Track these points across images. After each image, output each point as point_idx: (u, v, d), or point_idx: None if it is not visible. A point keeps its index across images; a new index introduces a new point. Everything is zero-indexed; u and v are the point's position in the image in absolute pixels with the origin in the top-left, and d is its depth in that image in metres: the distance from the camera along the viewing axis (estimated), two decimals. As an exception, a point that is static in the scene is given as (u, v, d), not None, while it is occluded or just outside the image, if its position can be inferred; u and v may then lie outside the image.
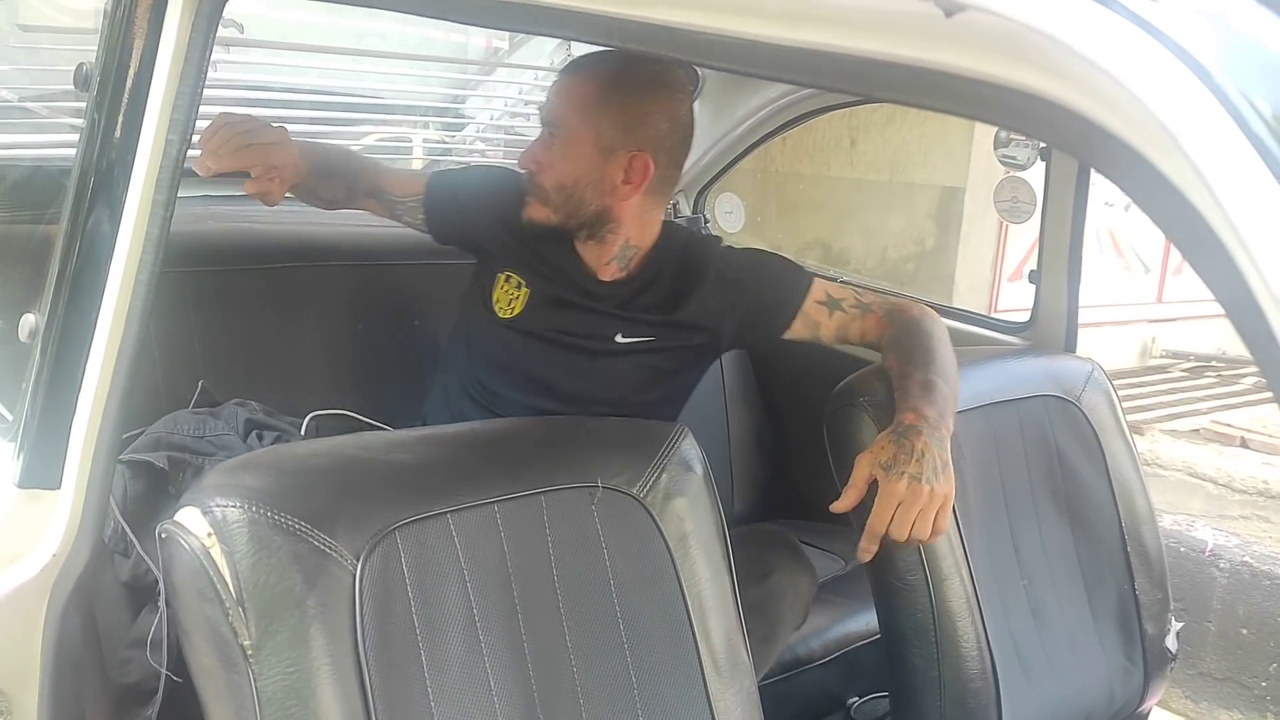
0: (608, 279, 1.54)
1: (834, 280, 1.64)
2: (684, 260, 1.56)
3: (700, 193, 2.46)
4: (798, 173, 5.94)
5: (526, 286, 1.55)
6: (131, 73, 0.88)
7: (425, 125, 2.23)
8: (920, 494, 1.30)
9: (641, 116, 1.44)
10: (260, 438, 1.54)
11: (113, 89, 0.88)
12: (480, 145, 2.31)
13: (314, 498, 0.97)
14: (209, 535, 0.90)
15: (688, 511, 1.18)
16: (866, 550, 1.33)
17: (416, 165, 2.32)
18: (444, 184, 1.66)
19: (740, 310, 1.54)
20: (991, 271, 5.35)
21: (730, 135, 2.26)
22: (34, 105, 1.70)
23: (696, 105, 2.32)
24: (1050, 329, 1.91)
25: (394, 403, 1.71)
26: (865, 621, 1.77)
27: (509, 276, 1.57)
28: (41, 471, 0.91)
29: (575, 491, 1.13)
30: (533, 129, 2.29)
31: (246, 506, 0.92)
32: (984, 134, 4.66)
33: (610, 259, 1.52)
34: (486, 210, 1.59)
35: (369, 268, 1.91)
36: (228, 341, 1.72)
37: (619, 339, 1.53)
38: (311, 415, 1.66)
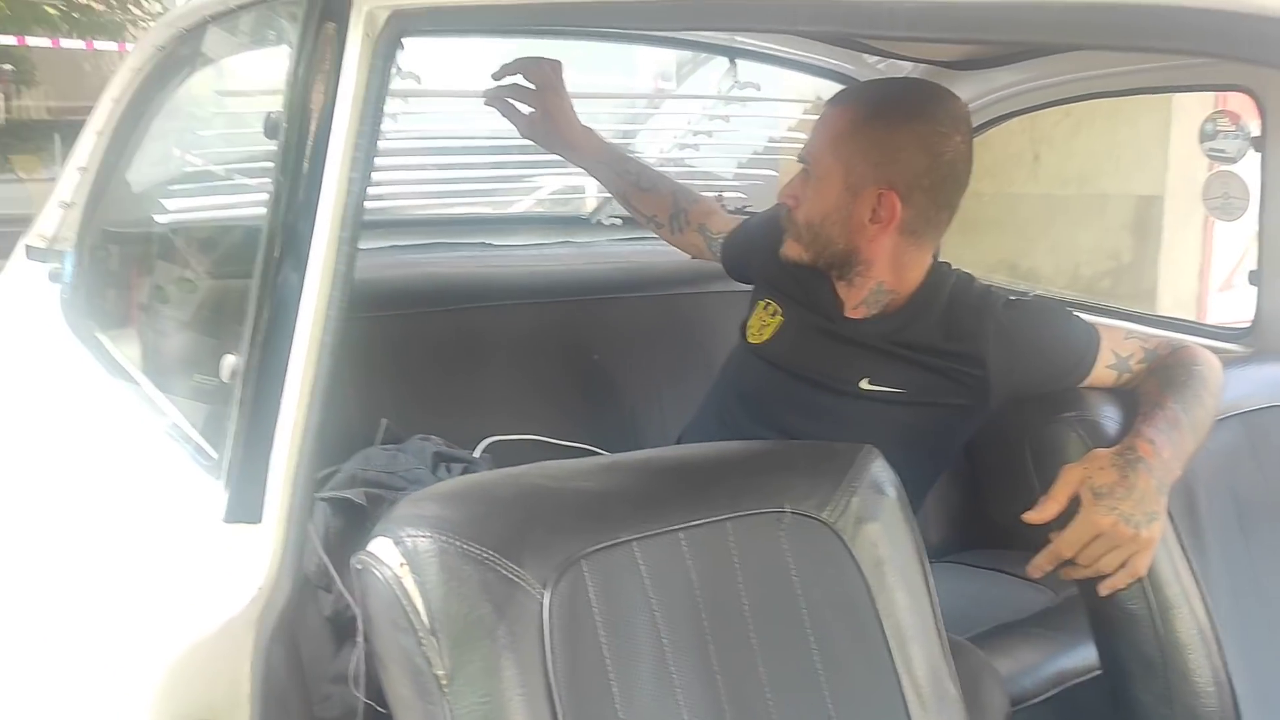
0: (858, 318, 1.46)
1: (1113, 324, 1.54)
2: (952, 310, 1.43)
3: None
4: (978, 191, 5.67)
5: (781, 314, 1.52)
6: (315, 116, 0.91)
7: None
8: (1123, 536, 1.19)
9: (893, 151, 1.35)
10: (449, 469, 1.57)
11: (298, 133, 0.91)
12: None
13: (501, 526, 0.96)
14: (401, 565, 0.91)
15: (882, 536, 1.12)
16: (1038, 568, 1.23)
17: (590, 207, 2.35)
18: (744, 227, 1.72)
19: (1019, 375, 1.39)
20: (1198, 283, 4.99)
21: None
22: (234, 169, 1.81)
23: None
24: (1276, 333, 1.74)
25: (573, 437, 1.71)
26: (1083, 656, 1.64)
27: (767, 303, 1.55)
28: (245, 506, 0.94)
29: (762, 517, 1.09)
30: (702, 160, 2.30)
31: (436, 536, 0.93)
32: (1181, 137, 4.38)
33: (860, 301, 1.45)
34: (762, 243, 1.59)
35: (544, 306, 1.95)
36: (412, 382, 1.77)
37: (864, 385, 1.43)
38: (489, 440, 1.70)
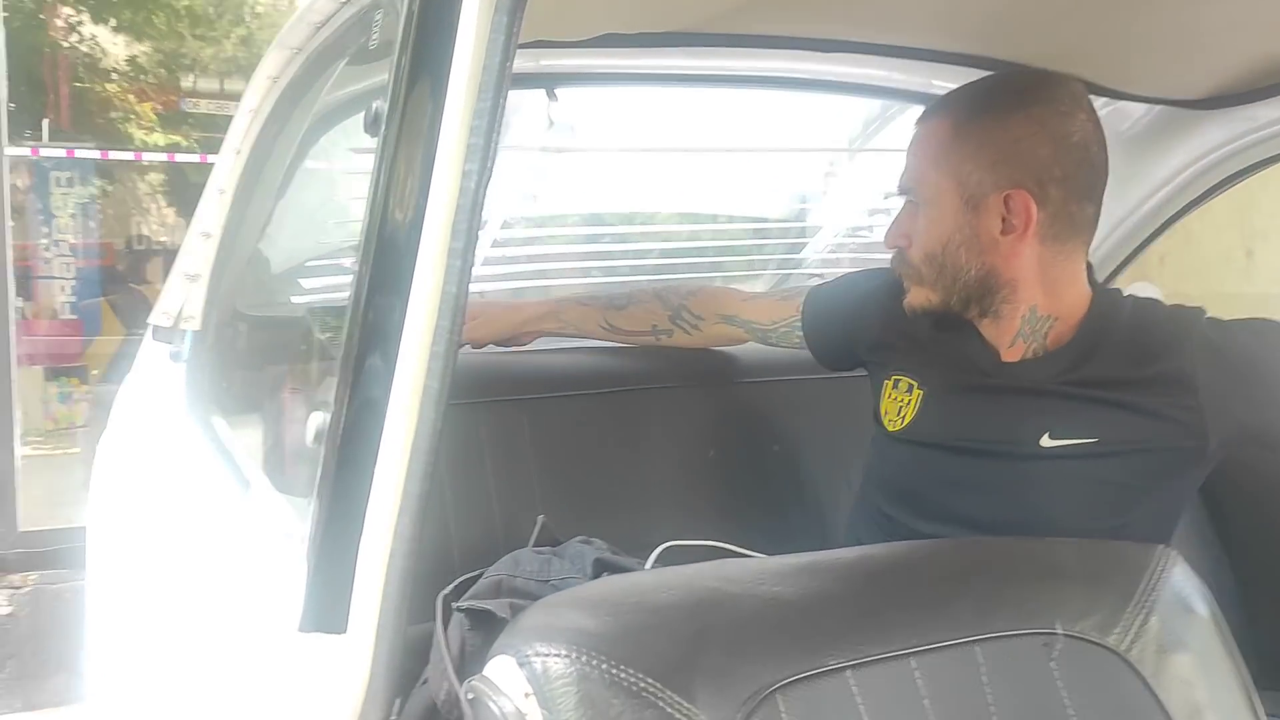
0: (1016, 359, 1.20)
1: None
2: (1140, 330, 1.17)
3: (1107, 281, 2.06)
4: (1182, 293, 5.26)
5: (919, 387, 1.26)
6: (422, 91, 0.70)
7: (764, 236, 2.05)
8: None
9: (1010, 144, 1.14)
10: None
11: (400, 116, 0.71)
12: (831, 256, 2.07)
13: (664, 645, 0.70)
14: (526, 696, 0.66)
15: (1197, 672, 0.81)
16: None
17: (758, 286, 2.11)
18: (821, 304, 1.46)
19: (1241, 405, 1.14)
20: None
21: (1141, 209, 1.86)
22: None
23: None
24: None
25: (755, 539, 1.44)
26: None
27: (897, 381, 1.29)
28: (325, 612, 0.71)
29: (1023, 640, 0.79)
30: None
31: (575, 656, 0.67)
32: None
33: (1016, 336, 1.19)
34: (865, 314, 1.36)
35: (716, 388, 1.69)
36: (568, 474, 1.53)
37: (1046, 441, 1.16)
38: (665, 546, 1.43)
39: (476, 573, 1.28)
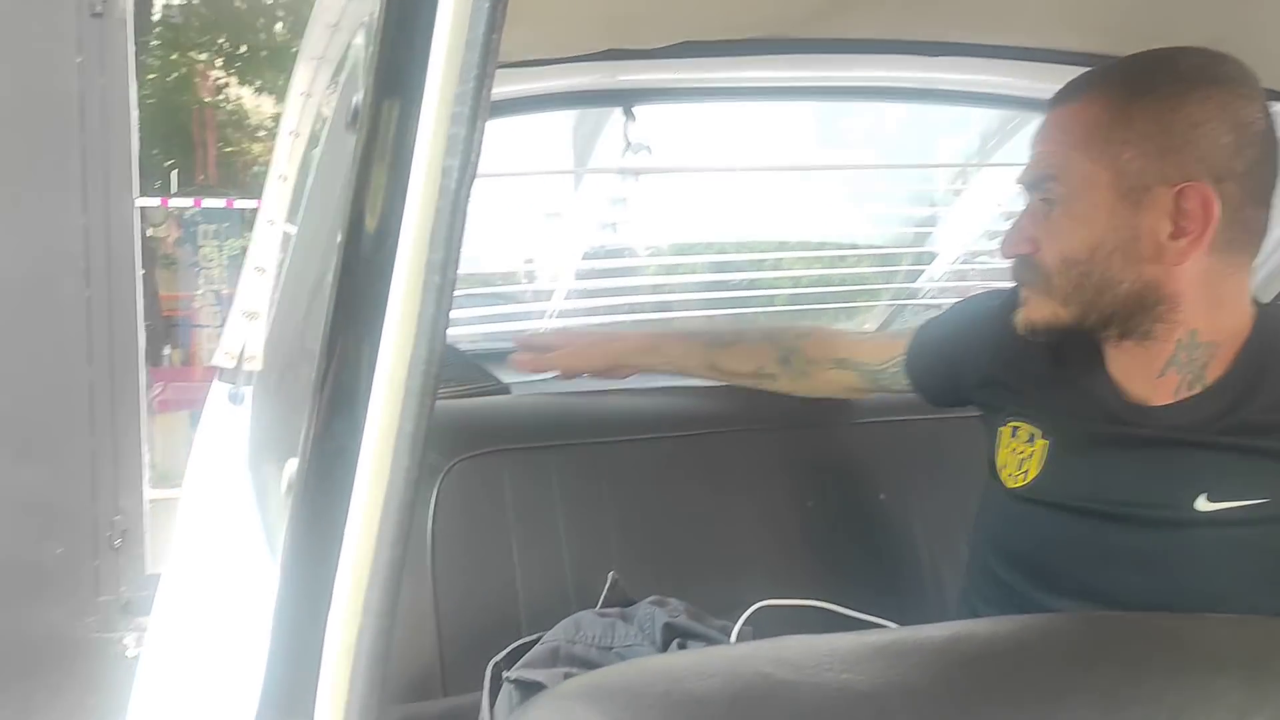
0: (1165, 401, 1.00)
1: None
2: None
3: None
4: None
5: (1042, 437, 1.07)
6: (398, 79, 0.59)
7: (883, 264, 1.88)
8: None
9: (1186, 129, 0.94)
10: (682, 648, 1.17)
11: (374, 106, 0.60)
12: (949, 285, 1.89)
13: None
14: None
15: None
16: None
17: (867, 322, 1.95)
18: (927, 335, 1.29)
19: None
20: None
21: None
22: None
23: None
24: None
25: (860, 598, 1.27)
26: None
27: (1015, 428, 1.10)
28: (285, 697, 0.60)
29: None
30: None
31: (577, 766, 0.54)
32: None
33: (1166, 365, 0.99)
34: (973, 343, 1.18)
35: (814, 430, 1.52)
36: (648, 525, 1.40)
37: (1202, 504, 0.97)
38: (757, 606, 1.28)
39: (535, 637, 1.16)
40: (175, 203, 4.85)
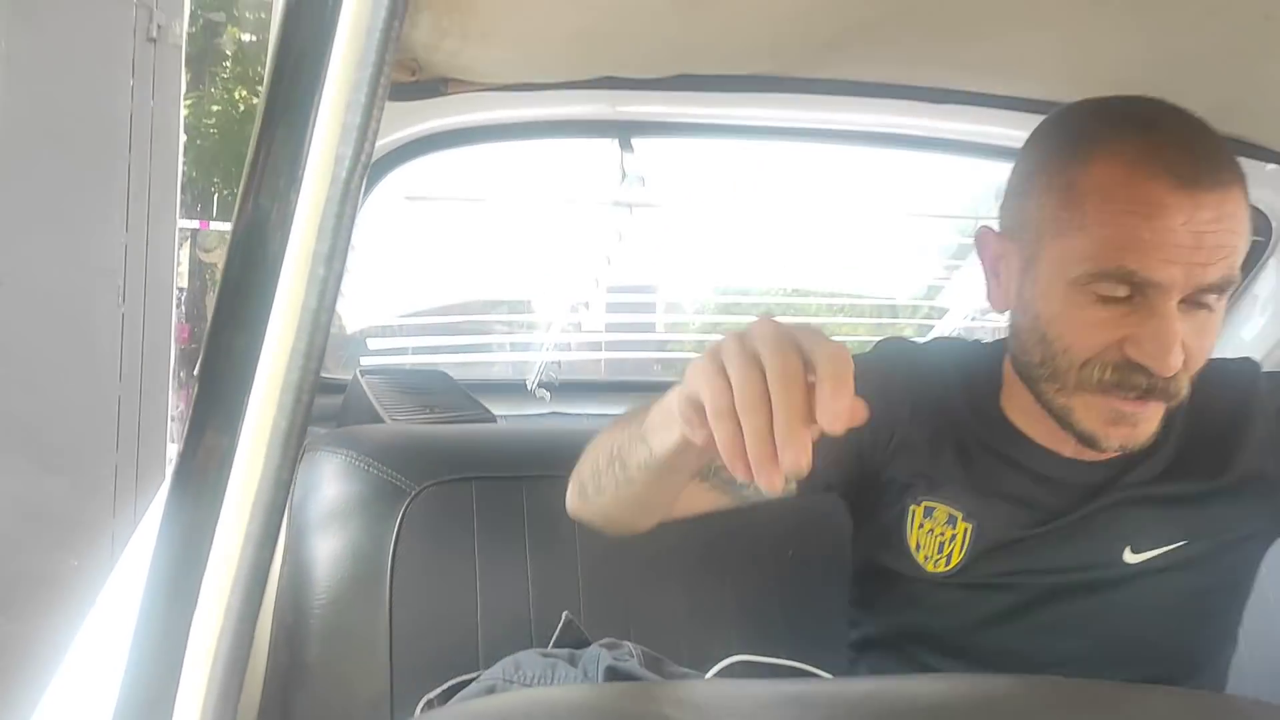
0: (1090, 459, 0.98)
1: None
2: (1205, 394, 0.95)
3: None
4: None
5: (965, 519, 1.00)
6: (302, 62, 0.57)
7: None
8: None
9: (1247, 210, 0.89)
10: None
11: (274, 98, 0.58)
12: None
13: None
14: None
15: None
16: None
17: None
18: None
19: None
20: None
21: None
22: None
23: (1270, 266, 1.69)
24: None
25: (841, 658, 1.21)
26: None
27: (930, 509, 1.02)
28: (143, 696, 0.57)
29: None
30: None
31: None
32: None
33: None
34: (894, 407, 1.03)
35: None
36: (618, 564, 1.35)
37: (1129, 557, 0.96)
38: (732, 660, 1.22)
39: (472, 675, 1.11)
40: (218, 225, 4.96)
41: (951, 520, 1.01)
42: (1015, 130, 1.42)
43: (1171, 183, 0.84)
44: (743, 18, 1.01)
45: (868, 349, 1.09)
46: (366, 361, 1.58)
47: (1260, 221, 1.60)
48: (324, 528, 1.25)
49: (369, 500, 1.26)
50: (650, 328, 1.91)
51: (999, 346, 1.06)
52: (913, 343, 1.12)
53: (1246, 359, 1.10)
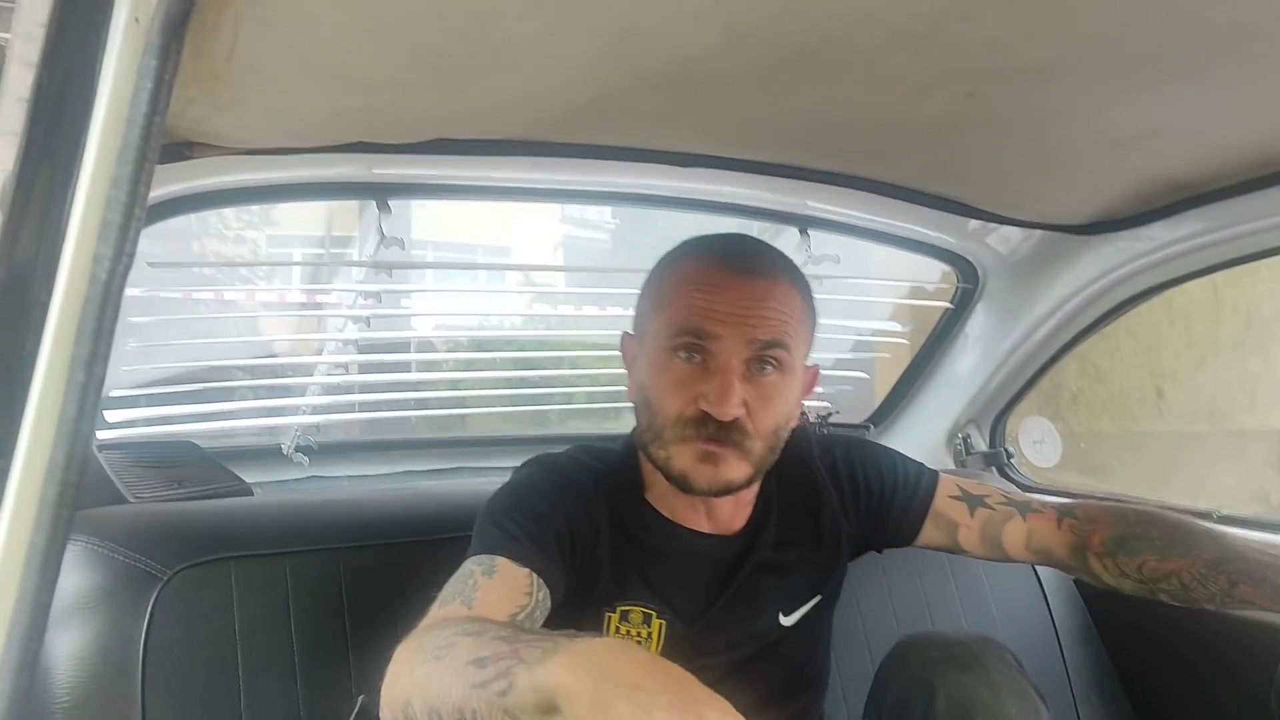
0: (736, 529, 1.18)
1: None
2: (790, 474, 1.21)
3: (996, 420, 1.94)
4: (1096, 431, 5.27)
5: (659, 616, 1.12)
6: (59, 153, 0.54)
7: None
8: None
9: (811, 315, 1.16)
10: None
11: (30, 190, 0.55)
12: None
13: None
14: None
15: None
16: None
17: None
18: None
19: (862, 510, 1.25)
20: (1369, 516, 4.36)
21: (1032, 338, 1.76)
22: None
23: (979, 308, 1.86)
24: None
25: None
26: None
27: (625, 612, 1.11)
28: None
29: None
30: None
31: None
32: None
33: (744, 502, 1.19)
34: (583, 518, 1.11)
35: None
36: (394, 638, 1.31)
37: (784, 619, 1.19)
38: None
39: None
40: None
41: (646, 619, 1.11)
42: (762, 191, 1.53)
43: (727, 270, 1.08)
44: (499, 89, 1.03)
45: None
46: (104, 435, 1.47)
47: (967, 269, 1.78)
48: (64, 624, 1.14)
49: (115, 590, 1.16)
50: (407, 369, 1.88)
51: (630, 441, 1.18)
52: (553, 460, 1.17)
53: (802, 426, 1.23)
